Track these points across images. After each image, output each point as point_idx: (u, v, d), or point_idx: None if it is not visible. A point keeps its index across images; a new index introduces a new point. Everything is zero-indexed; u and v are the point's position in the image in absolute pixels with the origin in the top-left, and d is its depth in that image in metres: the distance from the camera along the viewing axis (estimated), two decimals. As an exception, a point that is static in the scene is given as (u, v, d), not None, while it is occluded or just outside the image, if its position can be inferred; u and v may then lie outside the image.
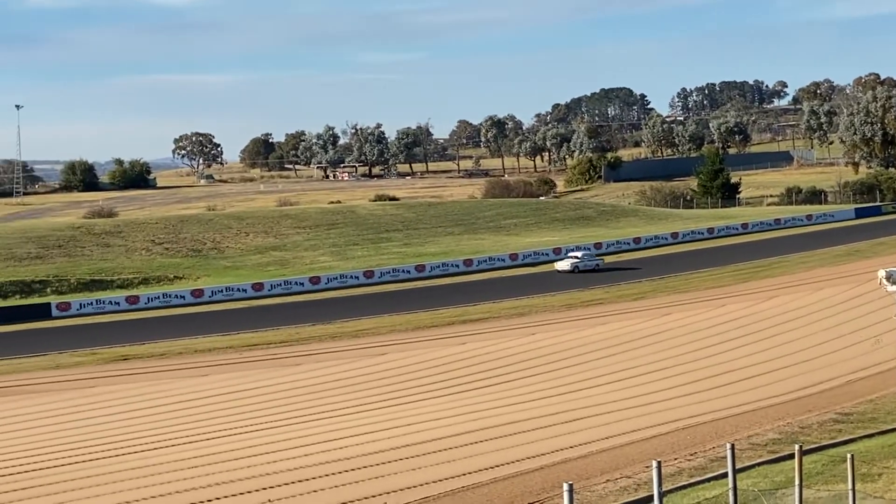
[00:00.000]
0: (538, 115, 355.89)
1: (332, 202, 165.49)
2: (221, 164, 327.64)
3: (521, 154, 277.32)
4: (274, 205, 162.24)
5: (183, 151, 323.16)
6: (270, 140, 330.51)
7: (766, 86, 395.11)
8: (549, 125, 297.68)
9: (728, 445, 21.85)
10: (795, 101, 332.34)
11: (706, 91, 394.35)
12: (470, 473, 34.24)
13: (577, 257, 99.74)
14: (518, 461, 35.53)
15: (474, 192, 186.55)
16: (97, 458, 39.60)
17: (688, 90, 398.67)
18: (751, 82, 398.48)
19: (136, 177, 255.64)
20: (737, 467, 21.99)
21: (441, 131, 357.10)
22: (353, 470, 35.61)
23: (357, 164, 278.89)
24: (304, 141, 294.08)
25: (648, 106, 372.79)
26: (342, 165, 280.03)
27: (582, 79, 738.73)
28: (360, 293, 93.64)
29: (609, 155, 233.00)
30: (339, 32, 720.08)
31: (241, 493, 33.18)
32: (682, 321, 69.31)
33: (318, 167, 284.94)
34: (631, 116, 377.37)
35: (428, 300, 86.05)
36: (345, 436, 41.17)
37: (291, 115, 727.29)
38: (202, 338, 72.97)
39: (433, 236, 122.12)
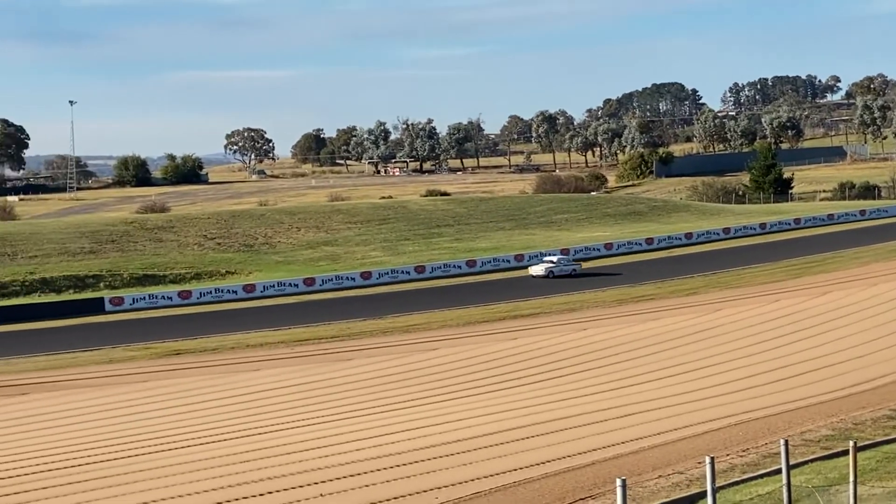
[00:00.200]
0: (589, 111, 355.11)
1: (383, 197, 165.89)
2: (273, 159, 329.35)
3: (573, 149, 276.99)
4: (325, 200, 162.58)
5: (235, 147, 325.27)
6: (322, 135, 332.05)
7: (819, 80, 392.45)
8: (601, 120, 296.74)
9: (781, 441, 21.78)
10: (848, 95, 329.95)
11: (758, 86, 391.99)
12: (521, 469, 34.21)
13: (552, 262, 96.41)
14: (569, 456, 35.45)
15: (525, 188, 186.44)
16: (151, 452, 39.89)
17: (740, 85, 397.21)
18: (803, 77, 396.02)
19: (188, 172, 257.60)
20: (790, 463, 21.88)
21: (492, 127, 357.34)
22: (404, 465, 35.69)
23: (408, 160, 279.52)
24: (355, 136, 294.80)
25: (700, 101, 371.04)
26: (393, 161, 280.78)
27: (633, 74, 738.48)
28: (411, 288, 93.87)
29: (661, 150, 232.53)
30: (385, 29, 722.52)
31: (293, 488, 33.34)
32: (734, 317, 68.90)
33: (369, 162, 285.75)
34: (682, 112, 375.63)
35: (479, 295, 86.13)
36: (396, 430, 41.24)
37: (342, 110, 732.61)
38: (254, 332, 73.28)
39: (484, 231, 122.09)
